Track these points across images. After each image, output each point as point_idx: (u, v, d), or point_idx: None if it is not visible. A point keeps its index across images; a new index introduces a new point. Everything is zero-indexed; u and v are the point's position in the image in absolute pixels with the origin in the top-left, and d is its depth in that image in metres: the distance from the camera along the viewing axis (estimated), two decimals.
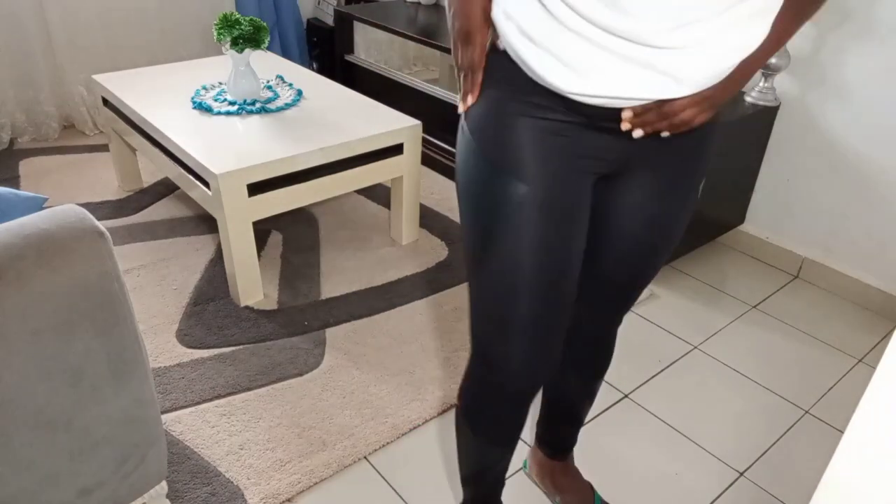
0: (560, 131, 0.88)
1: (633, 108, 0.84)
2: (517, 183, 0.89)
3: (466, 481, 1.22)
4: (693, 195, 1.02)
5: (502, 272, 0.94)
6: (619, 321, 1.21)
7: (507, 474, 1.51)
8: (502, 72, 0.89)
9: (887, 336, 2.04)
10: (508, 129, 0.89)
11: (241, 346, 1.84)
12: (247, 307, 1.99)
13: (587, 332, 1.19)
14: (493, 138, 0.91)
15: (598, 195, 0.98)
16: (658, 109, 0.84)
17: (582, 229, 0.96)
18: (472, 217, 0.95)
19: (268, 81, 2.40)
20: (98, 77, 2.42)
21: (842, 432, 1.65)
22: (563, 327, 1.01)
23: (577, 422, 1.36)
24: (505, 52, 0.88)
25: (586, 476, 1.51)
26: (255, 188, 1.86)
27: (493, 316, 0.98)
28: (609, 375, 1.81)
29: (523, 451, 1.58)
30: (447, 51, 2.67)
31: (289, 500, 1.43)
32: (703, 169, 1.01)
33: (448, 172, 2.85)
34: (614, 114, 0.85)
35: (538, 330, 0.98)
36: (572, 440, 1.38)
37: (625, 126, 0.86)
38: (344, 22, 3.32)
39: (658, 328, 2.02)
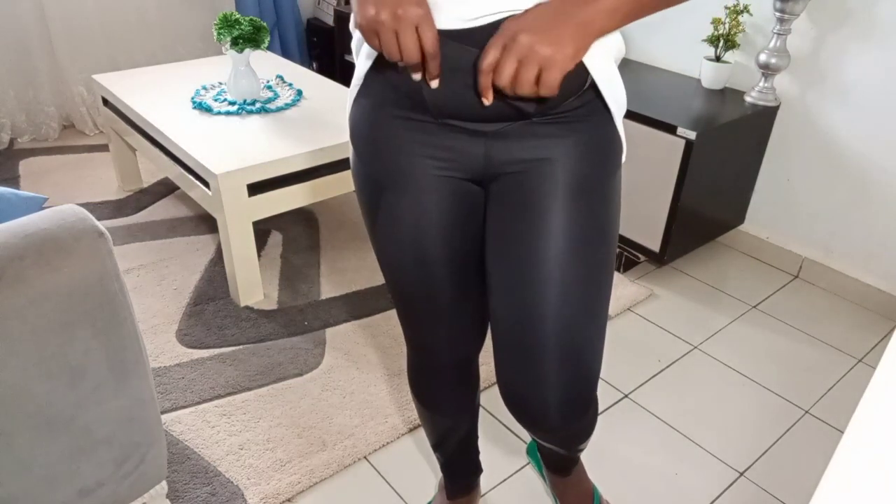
0: (417, 131, 0.88)
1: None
2: (380, 187, 0.93)
3: (435, 448, 1.29)
4: (561, 221, 0.86)
5: (385, 269, 1.01)
6: (548, 400, 0.92)
7: (508, 474, 1.52)
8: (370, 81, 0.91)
9: (887, 336, 2.04)
10: (375, 135, 0.91)
11: (241, 346, 1.84)
12: (247, 307, 1.99)
13: (524, 401, 0.95)
14: (363, 144, 0.93)
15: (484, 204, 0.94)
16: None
17: (450, 229, 0.94)
18: (363, 214, 1.00)
19: (268, 81, 2.40)
20: (98, 77, 2.42)
21: (842, 432, 1.65)
22: (466, 310, 1.03)
23: (566, 461, 1.31)
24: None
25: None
26: (255, 188, 1.86)
27: (398, 306, 1.05)
28: (609, 375, 1.81)
29: (522, 449, 1.58)
30: None
31: (289, 500, 1.43)
32: (576, 192, 0.86)
33: None
34: (461, 111, 0.83)
35: (436, 321, 1.03)
36: (568, 466, 1.34)
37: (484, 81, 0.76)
38: (344, 22, 3.32)
39: (658, 328, 2.02)
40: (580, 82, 0.84)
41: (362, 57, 0.89)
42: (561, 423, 0.94)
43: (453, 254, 0.96)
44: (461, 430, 1.24)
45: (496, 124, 0.85)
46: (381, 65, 0.86)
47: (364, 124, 0.92)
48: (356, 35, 0.89)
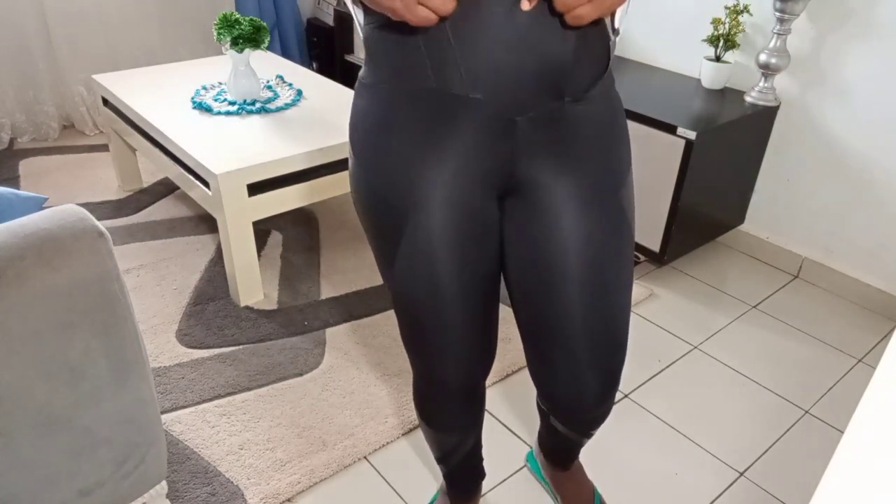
0: (434, 136, 0.83)
1: None
2: (386, 202, 0.88)
3: (439, 461, 1.28)
4: (597, 215, 0.88)
5: (393, 291, 0.97)
6: (581, 390, 0.99)
7: (508, 474, 1.52)
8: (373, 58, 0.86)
9: (887, 336, 2.04)
10: (384, 143, 0.86)
11: (241, 346, 1.84)
12: (247, 307, 1.99)
13: (552, 390, 1.03)
14: (369, 153, 0.88)
15: (500, 215, 0.93)
16: None
17: (477, 248, 0.91)
18: (369, 239, 0.96)
19: (268, 81, 2.40)
20: (98, 77, 2.42)
21: (842, 432, 1.65)
22: (479, 333, 1.00)
23: (571, 449, 1.33)
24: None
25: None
26: (255, 188, 1.86)
27: (406, 330, 1.02)
28: None
29: (522, 449, 1.58)
30: None
31: (289, 500, 1.43)
32: (601, 189, 0.88)
33: None
34: (497, 74, 0.78)
35: (449, 345, 0.99)
36: (572, 457, 1.36)
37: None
38: (344, 22, 3.32)
39: (658, 328, 2.02)
40: (605, 64, 0.84)
41: (373, 54, 0.85)
42: (593, 410, 1.03)
43: (466, 274, 0.92)
44: (467, 444, 1.23)
45: (527, 113, 0.82)
46: (397, 46, 0.81)
47: (372, 136, 0.87)
48: (365, 31, 0.86)
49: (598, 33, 0.81)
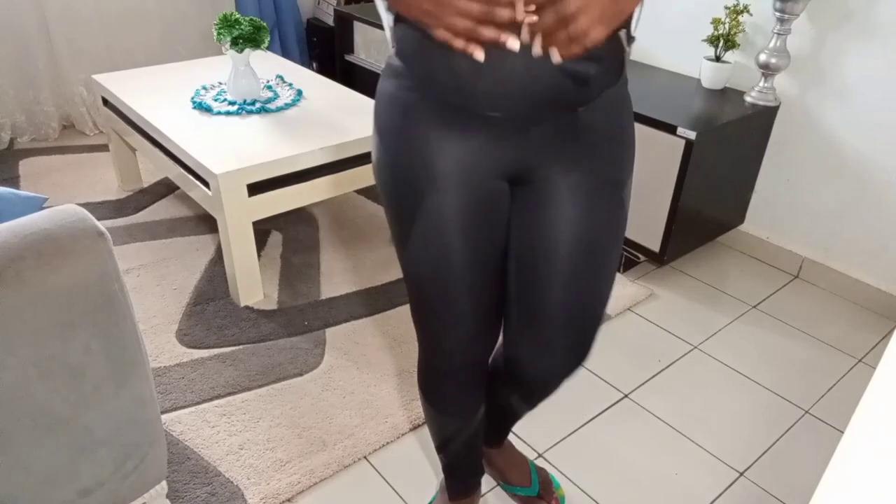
0: (455, 132, 0.89)
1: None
2: (408, 185, 0.93)
3: (439, 449, 1.29)
4: (592, 209, 0.94)
5: (406, 268, 1.02)
6: (554, 363, 1.07)
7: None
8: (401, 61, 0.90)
9: (887, 336, 2.04)
10: (409, 131, 0.91)
11: (241, 346, 1.84)
12: (247, 307, 1.99)
13: (519, 363, 1.10)
14: (394, 138, 0.93)
15: (510, 202, 0.98)
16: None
17: (486, 231, 0.97)
18: (388, 216, 1.01)
19: (268, 81, 2.40)
20: (98, 77, 2.42)
21: (842, 432, 1.65)
22: (484, 311, 1.04)
23: (510, 423, 1.36)
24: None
25: (586, 476, 1.51)
26: (255, 188, 1.86)
27: (416, 306, 1.06)
28: (609, 375, 1.81)
29: (523, 449, 1.58)
30: None
31: (289, 500, 1.43)
32: (603, 180, 0.94)
33: None
34: (513, 96, 0.83)
35: (455, 320, 1.03)
36: (508, 430, 1.40)
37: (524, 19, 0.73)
38: (344, 22, 3.32)
39: (658, 328, 2.02)
40: (619, 73, 0.89)
41: (400, 48, 0.90)
42: (560, 381, 1.11)
43: (476, 255, 0.98)
44: (468, 431, 1.24)
45: (541, 124, 0.87)
46: (425, 57, 0.85)
47: (397, 118, 0.92)
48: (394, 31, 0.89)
49: (613, 49, 0.86)
